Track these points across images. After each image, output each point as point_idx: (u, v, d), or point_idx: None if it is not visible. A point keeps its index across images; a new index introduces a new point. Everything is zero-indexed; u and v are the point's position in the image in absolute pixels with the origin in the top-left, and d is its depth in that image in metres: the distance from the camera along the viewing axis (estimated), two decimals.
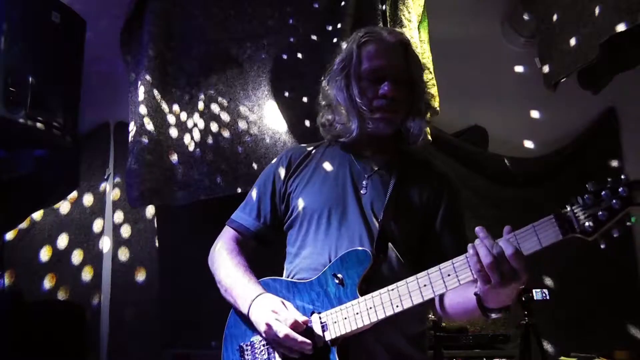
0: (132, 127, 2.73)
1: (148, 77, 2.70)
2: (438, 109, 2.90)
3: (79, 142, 2.95)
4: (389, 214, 1.46)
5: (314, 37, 2.80)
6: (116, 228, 3.19)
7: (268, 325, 1.36)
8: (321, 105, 1.66)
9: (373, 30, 1.60)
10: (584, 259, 3.44)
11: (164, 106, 2.74)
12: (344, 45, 1.65)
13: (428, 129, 2.70)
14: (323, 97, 1.65)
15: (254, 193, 1.68)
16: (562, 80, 2.89)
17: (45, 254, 3.08)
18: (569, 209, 1.14)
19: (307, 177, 1.60)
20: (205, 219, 3.16)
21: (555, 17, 2.92)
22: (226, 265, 1.58)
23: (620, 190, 1.08)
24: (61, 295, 3.04)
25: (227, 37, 2.81)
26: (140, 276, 3.14)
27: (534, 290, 2.64)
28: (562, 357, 2.96)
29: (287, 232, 1.62)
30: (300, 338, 1.33)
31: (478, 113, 3.65)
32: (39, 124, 2.39)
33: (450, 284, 1.25)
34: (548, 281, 3.38)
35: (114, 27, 2.91)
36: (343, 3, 2.76)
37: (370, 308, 1.32)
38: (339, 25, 2.73)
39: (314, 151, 1.66)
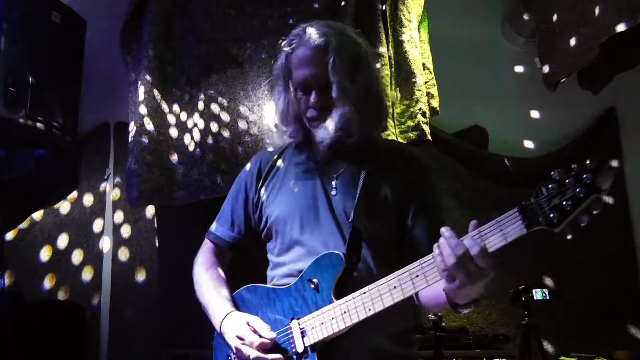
0: (132, 127, 2.73)
1: (148, 77, 2.70)
2: (438, 109, 2.91)
3: (79, 142, 2.95)
4: (359, 213, 1.43)
5: None
6: (116, 228, 3.19)
7: (237, 349, 1.39)
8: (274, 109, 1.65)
9: (299, 34, 1.53)
10: (584, 259, 3.45)
11: (164, 106, 2.74)
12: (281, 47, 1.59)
13: (427, 128, 2.73)
14: (279, 110, 1.62)
15: (227, 204, 1.68)
16: (562, 80, 2.90)
17: (45, 254, 3.08)
18: (532, 200, 1.09)
19: (278, 184, 1.59)
20: (205, 219, 3.16)
21: (555, 17, 2.92)
22: (201, 281, 1.62)
23: (584, 177, 1.02)
24: (61, 295, 3.04)
25: (227, 37, 2.80)
26: (140, 276, 3.14)
27: (534, 290, 2.64)
28: (562, 357, 2.96)
29: (265, 241, 1.62)
30: (269, 357, 1.35)
31: (478, 113, 3.65)
32: (39, 124, 2.39)
33: (418, 285, 1.24)
34: (548, 281, 3.38)
35: (114, 27, 2.91)
36: (343, 3, 2.75)
37: (345, 312, 1.32)
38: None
39: (282, 155, 1.65)
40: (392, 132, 2.62)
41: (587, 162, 1.04)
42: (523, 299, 2.62)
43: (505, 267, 3.28)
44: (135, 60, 2.86)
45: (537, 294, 2.66)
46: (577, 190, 1.03)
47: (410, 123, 2.71)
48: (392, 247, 1.47)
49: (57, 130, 2.49)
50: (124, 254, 3.16)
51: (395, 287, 1.26)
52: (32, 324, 2.72)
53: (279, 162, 1.63)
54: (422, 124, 2.71)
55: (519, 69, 3.80)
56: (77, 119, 2.67)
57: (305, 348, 1.37)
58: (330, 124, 1.46)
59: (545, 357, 2.74)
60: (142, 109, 2.67)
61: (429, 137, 2.74)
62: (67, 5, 2.61)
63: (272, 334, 1.40)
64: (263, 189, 1.61)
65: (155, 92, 2.71)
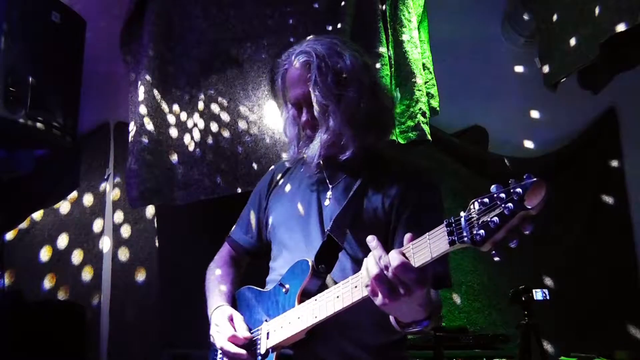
0: (132, 127, 2.73)
1: (148, 77, 2.70)
2: (438, 109, 2.91)
3: (79, 142, 2.95)
4: (341, 222, 1.43)
5: None
6: (116, 228, 3.19)
7: (212, 336, 1.50)
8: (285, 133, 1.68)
9: (289, 53, 1.57)
10: (584, 259, 3.45)
11: (164, 106, 2.74)
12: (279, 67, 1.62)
13: (427, 128, 2.73)
14: (284, 128, 1.66)
15: (245, 209, 1.77)
16: (562, 80, 2.89)
17: (45, 254, 3.08)
18: (461, 215, 1.01)
19: (281, 192, 1.65)
20: (205, 219, 3.16)
21: (555, 17, 2.92)
22: (208, 277, 1.72)
23: (513, 192, 0.93)
24: (61, 295, 3.04)
25: (227, 37, 2.81)
26: (140, 276, 3.14)
27: (534, 290, 2.64)
28: (562, 357, 2.96)
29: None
30: (234, 349, 1.41)
31: (478, 113, 3.65)
32: (39, 124, 2.39)
33: (355, 296, 1.21)
34: (548, 281, 3.38)
35: (114, 27, 2.91)
36: (343, 3, 2.75)
37: (299, 318, 1.35)
38: (339, 25, 2.73)
39: (293, 166, 1.69)
40: (392, 132, 2.62)
41: (524, 176, 0.94)
42: (523, 299, 2.62)
43: (505, 267, 3.30)
44: (135, 60, 2.86)
45: (537, 294, 2.65)
46: (505, 206, 0.93)
47: (410, 123, 2.71)
48: None
49: (57, 130, 2.50)
50: (124, 254, 3.15)
51: (337, 297, 1.26)
52: (32, 324, 2.72)
53: (289, 173, 1.70)
54: (422, 124, 2.71)
55: (519, 69, 3.80)
56: (77, 119, 2.68)
57: (267, 349, 1.41)
58: (315, 144, 1.48)
59: (545, 357, 2.74)
60: (142, 109, 2.67)
61: (429, 137, 2.74)
62: (67, 5, 2.61)
63: (246, 333, 1.45)
64: (271, 197, 1.68)
65: (155, 92, 2.71)
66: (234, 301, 1.62)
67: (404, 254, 1.08)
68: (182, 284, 3.09)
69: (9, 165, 2.76)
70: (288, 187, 1.64)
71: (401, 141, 2.68)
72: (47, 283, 3.04)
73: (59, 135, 2.53)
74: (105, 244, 3.17)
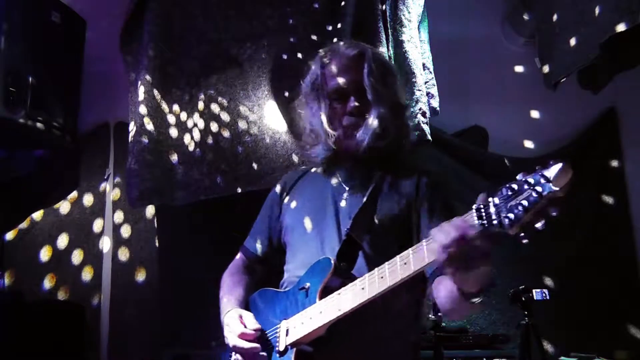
0: (132, 127, 2.73)
1: (148, 77, 2.70)
2: (438, 109, 2.90)
3: (79, 142, 2.95)
4: (358, 223, 1.46)
5: (314, 37, 2.80)
6: (116, 228, 3.19)
7: (225, 336, 1.50)
8: (301, 127, 1.72)
9: (333, 48, 1.66)
10: (584, 259, 3.45)
11: (164, 106, 2.74)
12: (311, 66, 1.67)
13: (427, 128, 2.73)
14: (301, 120, 1.70)
15: (257, 220, 1.79)
16: (562, 80, 2.89)
17: (45, 254, 3.08)
18: (490, 201, 1.06)
19: (295, 197, 1.67)
20: (205, 219, 3.17)
21: (555, 17, 2.92)
22: (222, 284, 1.73)
23: (540, 175, 0.99)
24: (61, 295, 3.04)
25: (227, 37, 2.81)
26: (140, 276, 3.14)
27: (534, 290, 2.64)
28: (562, 357, 2.96)
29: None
30: (246, 345, 1.42)
31: (478, 113, 3.65)
32: (39, 124, 2.40)
33: (381, 286, 1.25)
34: (548, 281, 3.38)
35: (114, 27, 2.91)
36: (343, 3, 2.75)
37: (321, 312, 1.35)
38: (339, 25, 2.73)
39: (305, 175, 1.73)
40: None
41: (549, 161, 1.00)
42: (523, 299, 2.61)
43: (505, 267, 3.30)
44: (135, 60, 2.86)
45: (537, 294, 2.65)
46: (533, 189, 0.99)
47: (410, 123, 2.71)
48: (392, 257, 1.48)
49: (57, 130, 2.50)
50: (124, 254, 3.16)
51: (362, 289, 1.28)
52: (32, 324, 2.72)
53: (303, 178, 1.73)
54: (422, 124, 2.71)
55: (519, 69, 3.80)
56: (77, 119, 2.68)
57: (286, 346, 1.41)
58: (372, 122, 1.52)
59: (545, 357, 2.74)
60: (142, 109, 2.67)
61: (429, 137, 2.74)
62: (67, 5, 2.62)
63: (255, 326, 1.46)
64: (284, 204, 1.70)
65: (155, 92, 2.71)
66: (247, 306, 1.63)
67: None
68: (182, 283, 3.10)
69: (9, 165, 2.77)
70: (302, 192, 1.67)
71: None
72: (47, 283, 3.04)
73: (59, 135, 2.53)
74: (105, 244, 3.17)
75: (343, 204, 1.54)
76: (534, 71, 3.33)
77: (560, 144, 3.69)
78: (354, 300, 1.29)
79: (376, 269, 1.28)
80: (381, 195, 1.51)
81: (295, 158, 2.65)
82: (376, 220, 1.47)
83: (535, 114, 3.75)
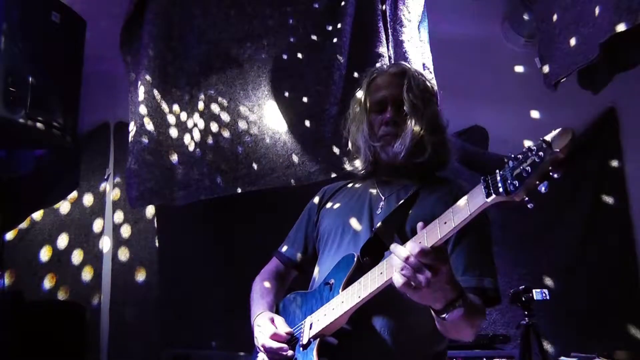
0: (132, 127, 2.73)
1: (148, 77, 2.70)
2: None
3: (79, 142, 2.95)
4: (388, 225, 1.49)
5: (314, 37, 2.80)
6: (116, 228, 3.19)
7: (255, 337, 1.53)
8: (349, 149, 1.79)
9: (379, 68, 1.81)
10: (584, 259, 3.45)
11: (164, 106, 2.74)
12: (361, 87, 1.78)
13: None
14: (349, 143, 1.77)
15: (294, 227, 1.84)
16: (562, 80, 2.89)
17: (45, 254, 3.08)
18: (497, 171, 1.12)
19: (333, 206, 1.73)
20: (205, 219, 3.17)
21: (555, 17, 2.91)
22: (254, 289, 1.76)
23: (542, 141, 1.04)
24: (61, 295, 3.04)
25: (227, 37, 2.81)
26: (140, 276, 3.14)
27: (534, 290, 2.64)
28: (562, 357, 2.96)
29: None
30: (276, 345, 1.45)
31: (478, 113, 3.65)
32: (39, 124, 2.40)
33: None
34: (548, 281, 3.38)
35: (114, 27, 2.91)
36: (343, 3, 2.75)
37: (342, 302, 1.38)
38: (339, 25, 2.73)
39: (346, 184, 1.81)
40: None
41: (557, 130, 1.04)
42: (523, 299, 2.62)
43: (505, 268, 3.30)
44: (135, 60, 2.86)
45: (537, 294, 2.65)
46: (536, 154, 1.03)
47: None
48: None
49: (57, 130, 2.50)
50: (124, 254, 3.15)
51: (381, 273, 1.30)
52: (32, 324, 2.72)
53: (340, 191, 1.79)
54: None
55: (519, 69, 3.80)
56: (77, 119, 2.68)
57: (309, 339, 1.42)
58: (408, 135, 1.59)
59: (545, 357, 2.74)
60: (142, 109, 2.67)
61: None
62: (67, 5, 2.61)
63: (287, 329, 1.49)
64: (322, 211, 1.76)
65: (155, 92, 2.71)
66: (277, 311, 1.66)
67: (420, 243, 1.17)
68: (182, 284, 3.10)
69: (9, 165, 2.77)
70: (340, 202, 1.73)
71: None
72: (47, 283, 3.04)
73: (59, 135, 2.53)
74: (105, 244, 3.17)
75: (378, 211, 1.59)
76: (534, 71, 3.32)
77: None
78: (372, 285, 1.31)
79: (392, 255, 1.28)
80: (415, 204, 1.55)
81: (295, 158, 2.65)
82: (407, 227, 1.50)
83: (535, 114, 3.75)
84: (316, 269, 1.66)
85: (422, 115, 1.62)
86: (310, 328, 1.45)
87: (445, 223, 1.18)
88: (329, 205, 1.76)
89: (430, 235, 1.19)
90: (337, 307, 1.39)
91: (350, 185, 1.80)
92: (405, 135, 1.59)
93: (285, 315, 1.60)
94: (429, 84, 1.75)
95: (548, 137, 1.03)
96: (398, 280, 1.18)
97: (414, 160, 1.59)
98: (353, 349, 1.41)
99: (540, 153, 1.03)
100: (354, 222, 1.59)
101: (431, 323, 1.31)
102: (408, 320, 1.43)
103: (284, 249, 1.82)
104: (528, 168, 1.04)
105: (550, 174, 1.03)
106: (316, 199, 1.82)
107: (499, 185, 1.09)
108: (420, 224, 1.22)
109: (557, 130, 1.03)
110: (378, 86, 1.70)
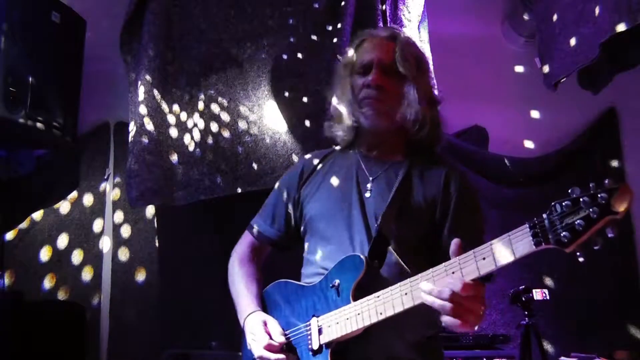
0: (132, 127, 2.73)
1: (148, 77, 2.70)
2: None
3: (79, 142, 2.95)
4: (388, 217, 1.45)
5: (314, 37, 2.80)
6: (116, 228, 3.19)
7: (249, 344, 1.47)
8: (330, 114, 1.70)
9: (367, 32, 1.67)
10: (584, 259, 3.44)
11: (164, 106, 2.74)
12: (348, 50, 1.69)
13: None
14: (331, 107, 1.68)
15: (269, 201, 1.73)
16: (562, 80, 2.89)
17: (45, 254, 3.08)
18: (544, 217, 1.06)
19: (318, 184, 1.63)
20: (205, 219, 3.17)
21: (555, 17, 2.92)
22: (235, 276, 1.66)
23: (599, 196, 0.96)
24: (61, 295, 3.04)
25: (227, 37, 2.81)
26: (140, 276, 3.14)
27: (534, 290, 2.64)
28: (562, 357, 2.96)
29: (303, 239, 1.65)
30: (273, 357, 1.40)
31: (478, 113, 3.64)
32: (39, 124, 2.40)
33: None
34: (548, 281, 3.38)
35: (114, 27, 2.91)
36: (343, 3, 2.75)
37: (359, 314, 1.34)
38: (339, 25, 2.73)
39: (325, 159, 1.69)
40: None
41: (606, 181, 0.97)
42: (523, 299, 2.61)
43: (505, 268, 3.30)
44: (135, 60, 2.86)
45: (537, 294, 2.65)
46: (591, 210, 0.97)
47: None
48: (422, 252, 1.47)
49: (57, 130, 2.50)
50: (124, 254, 3.15)
51: (406, 294, 1.26)
52: (32, 324, 2.72)
53: (323, 163, 1.68)
54: None
55: (519, 69, 3.80)
56: (77, 119, 2.68)
57: (320, 345, 1.39)
58: (408, 108, 1.51)
59: (545, 357, 2.74)
60: (142, 109, 2.67)
61: None
62: (67, 5, 2.62)
63: (281, 339, 1.44)
64: (304, 188, 1.64)
65: (155, 92, 2.71)
66: (263, 302, 1.60)
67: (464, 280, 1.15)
68: (182, 284, 3.10)
69: (9, 165, 2.77)
70: (324, 179, 1.63)
71: None
72: (47, 283, 3.04)
73: (59, 135, 2.53)
74: (105, 244, 3.17)
75: (368, 195, 1.52)
76: (534, 71, 3.33)
77: (561, 144, 3.69)
78: (396, 307, 1.27)
79: (419, 275, 1.25)
80: (407, 190, 1.49)
81: (295, 158, 2.65)
82: (401, 216, 1.45)
83: (535, 114, 3.75)
84: (309, 256, 1.58)
85: (420, 86, 1.54)
86: (320, 333, 1.40)
87: (484, 259, 1.14)
88: (312, 183, 1.64)
89: (465, 267, 1.16)
90: (352, 318, 1.35)
91: (331, 159, 1.68)
92: (408, 107, 1.51)
93: (275, 307, 1.55)
94: (422, 49, 1.67)
95: (605, 194, 0.96)
96: (455, 322, 1.16)
97: (412, 135, 1.53)
98: (365, 354, 1.39)
99: (596, 209, 0.97)
100: (345, 207, 1.52)
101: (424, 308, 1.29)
102: (422, 323, 1.43)
103: (259, 225, 1.70)
104: (581, 222, 0.99)
105: (605, 233, 0.99)
106: (295, 173, 1.69)
107: (549, 233, 1.05)
108: (453, 248, 1.18)
109: (617, 187, 0.96)
110: (365, 49, 1.60)
